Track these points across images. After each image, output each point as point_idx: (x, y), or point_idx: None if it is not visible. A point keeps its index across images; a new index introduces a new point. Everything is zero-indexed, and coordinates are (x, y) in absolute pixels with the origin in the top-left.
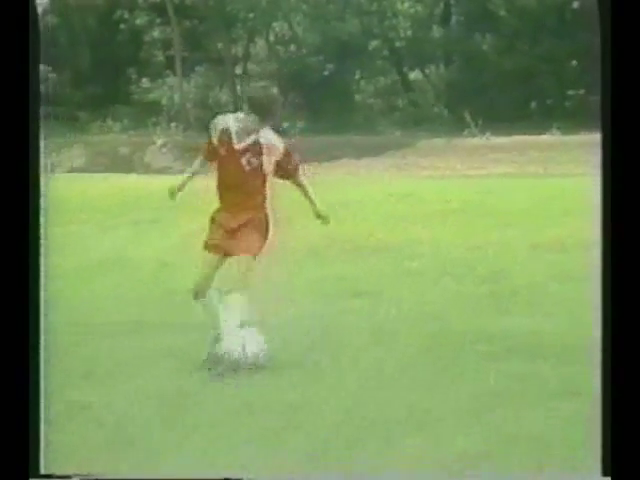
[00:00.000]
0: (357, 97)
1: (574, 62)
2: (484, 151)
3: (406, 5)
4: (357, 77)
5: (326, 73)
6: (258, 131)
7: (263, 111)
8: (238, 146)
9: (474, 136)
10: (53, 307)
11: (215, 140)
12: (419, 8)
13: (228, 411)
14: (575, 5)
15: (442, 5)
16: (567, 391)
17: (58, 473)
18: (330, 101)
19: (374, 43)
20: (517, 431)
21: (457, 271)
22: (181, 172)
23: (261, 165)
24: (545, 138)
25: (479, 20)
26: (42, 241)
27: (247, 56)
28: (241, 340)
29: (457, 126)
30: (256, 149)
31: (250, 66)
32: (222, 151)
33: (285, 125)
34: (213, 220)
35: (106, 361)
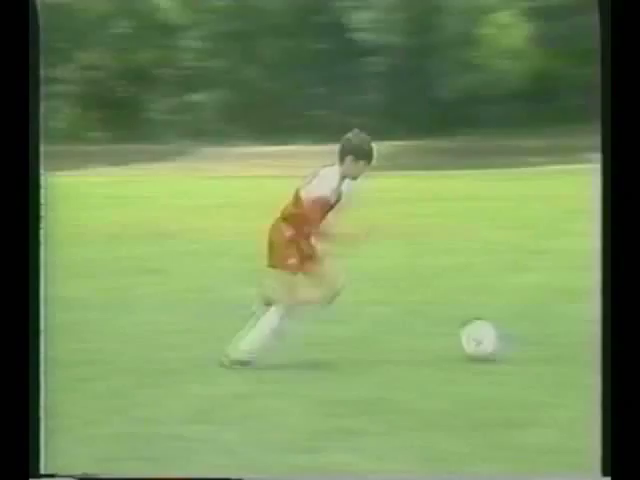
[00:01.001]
0: (149, 114)
1: (321, 89)
2: (249, 158)
3: (191, 41)
4: (149, 97)
5: (124, 94)
6: (343, 180)
7: (370, 157)
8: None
9: (241, 145)
10: None
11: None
12: (201, 43)
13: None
14: (321, 45)
15: (221, 42)
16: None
17: (59, 473)
18: (127, 117)
19: (164, 70)
20: None
21: (227, 251)
22: None
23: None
24: (292, 148)
25: (247, 54)
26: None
27: (61, 78)
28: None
29: (229, 137)
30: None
31: (62, 87)
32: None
33: (91, 135)
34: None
35: None
